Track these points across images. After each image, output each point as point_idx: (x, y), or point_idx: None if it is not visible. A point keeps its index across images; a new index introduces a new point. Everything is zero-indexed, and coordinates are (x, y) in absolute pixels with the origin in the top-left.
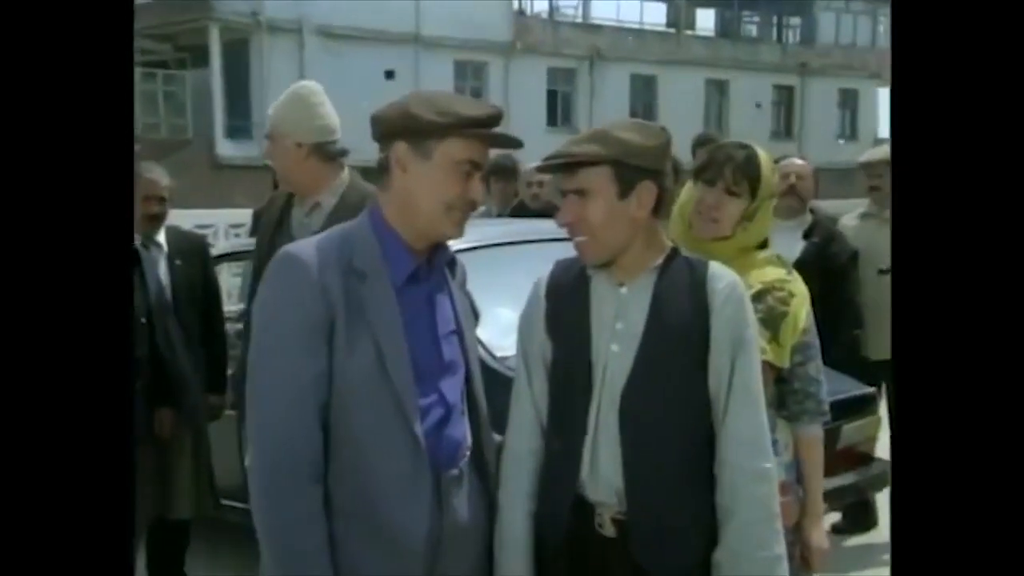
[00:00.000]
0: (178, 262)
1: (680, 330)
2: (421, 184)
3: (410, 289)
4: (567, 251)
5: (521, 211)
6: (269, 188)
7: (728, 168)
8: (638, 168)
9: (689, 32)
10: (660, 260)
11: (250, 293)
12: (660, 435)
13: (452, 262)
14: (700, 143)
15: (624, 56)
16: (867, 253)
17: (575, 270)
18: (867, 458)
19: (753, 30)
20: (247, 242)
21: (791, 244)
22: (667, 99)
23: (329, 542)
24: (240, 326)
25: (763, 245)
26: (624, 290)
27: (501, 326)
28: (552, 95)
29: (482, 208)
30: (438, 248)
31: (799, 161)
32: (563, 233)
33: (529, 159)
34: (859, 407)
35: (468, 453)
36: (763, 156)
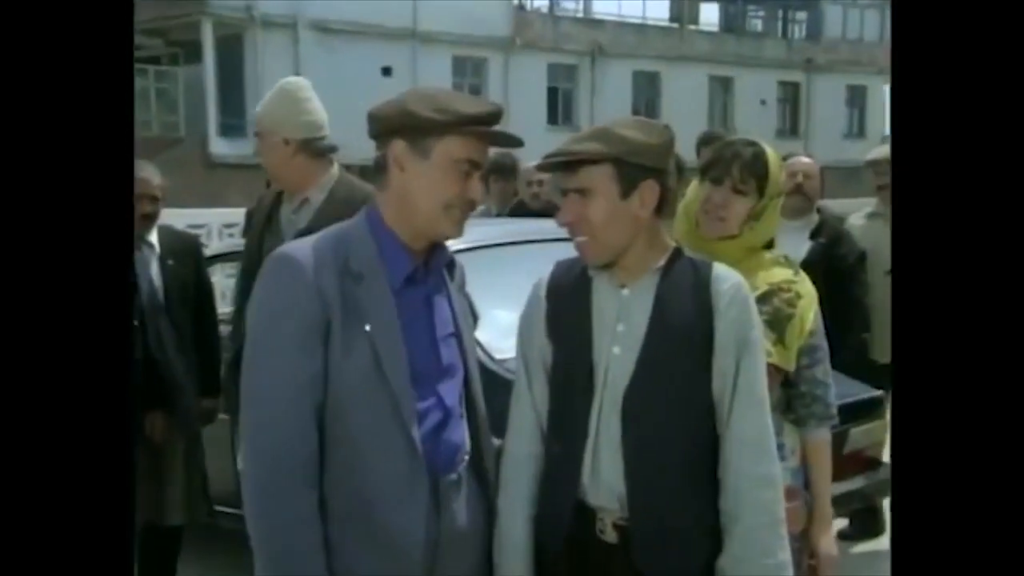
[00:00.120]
0: (170, 262)
1: (683, 332)
2: (419, 183)
3: (408, 290)
4: (568, 251)
5: (521, 211)
6: (263, 187)
7: (735, 166)
8: (641, 167)
9: (692, 27)
10: (663, 261)
11: (238, 293)
12: (663, 439)
13: (450, 263)
14: (704, 141)
15: (626, 52)
16: (874, 254)
17: (576, 271)
18: (874, 463)
19: (758, 25)
20: (241, 242)
21: (797, 244)
22: (670, 96)
23: (324, 546)
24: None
25: (769, 245)
26: (626, 291)
27: (501, 328)
28: (553, 92)
29: (481, 208)
30: (436, 248)
31: (806, 159)
32: (564, 233)
33: (529, 158)
34: (866, 411)
35: (467, 457)
36: (771, 154)
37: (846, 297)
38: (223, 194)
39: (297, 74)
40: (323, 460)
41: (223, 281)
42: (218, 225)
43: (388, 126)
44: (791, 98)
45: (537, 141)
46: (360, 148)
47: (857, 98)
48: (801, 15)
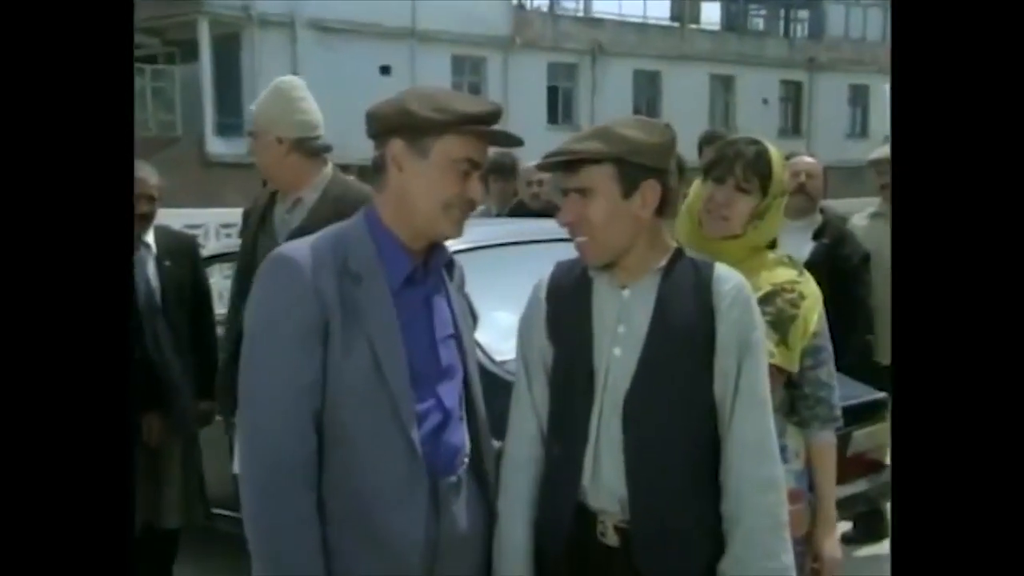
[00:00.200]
0: (167, 263)
1: (685, 333)
2: (418, 183)
3: (407, 291)
4: (568, 252)
5: (520, 211)
6: (260, 186)
7: (738, 165)
8: (642, 166)
9: (694, 26)
10: (664, 261)
11: (234, 294)
12: (664, 441)
13: (450, 263)
14: (706, 141)
15: (627, 51)
16: (878, 254)
17: (576, 271)
18: (878, 465)
19: (760, 23)
20: (238, 243)
21: (800, 245)
22: (671, 95)
23: (323, 549)
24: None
25: (772, 246)
26: (627, 292)
27: (500, 329)
28: (553, 91)
29: (480, 208)
30: (435, 249)
31: (808, 159)
32: (563, 233)
33: (529, 157)
34: (870, 413)
35: (466, 460)
36: (774, 152)
37: (850, 298)
38: (220, 193)
39: (294, 73)
40: (321, 462)
41: (220, 282)
42: (215, 225)
43: (386, 125)
44: (793, 97)
45: (537, 141)
46: (358, 148)
47: (860, 97)
48: (803, 14)
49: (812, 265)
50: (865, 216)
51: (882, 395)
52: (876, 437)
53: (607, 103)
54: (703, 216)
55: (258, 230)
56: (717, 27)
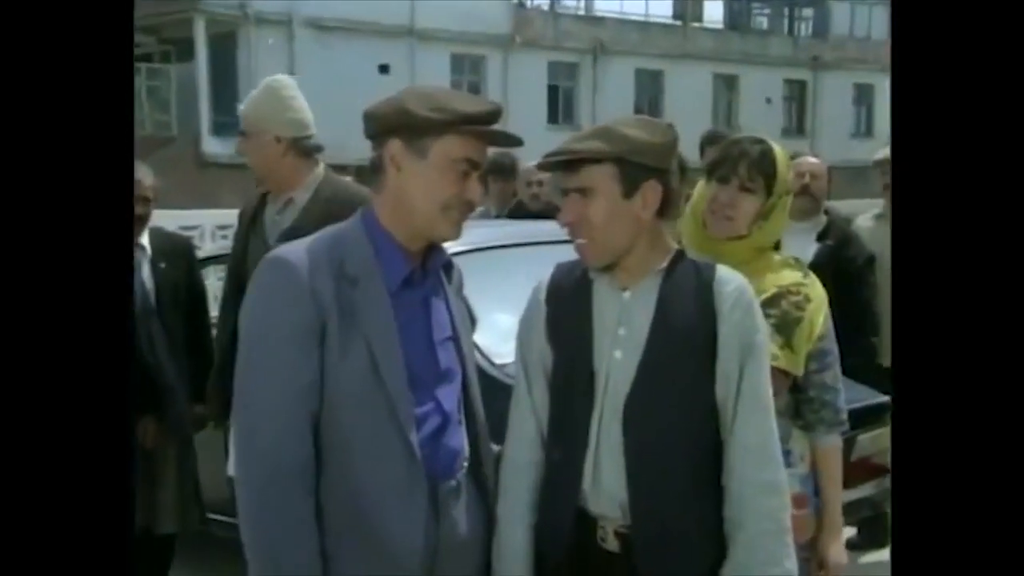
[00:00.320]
0: (162, 265)
1: (686, 335)
2: (416, 184)
3: (405, 293)
4: (568, 253)
5: (520, 212)
6: (256, 186)
7: (743, 164)
8: (643, 166)
9: (696, 24)
10: (665, 263)
11: (224, 296)
12: (665, 445)
13: (448, 265)
14: (709, 141)
15: (628, 50)
16: (882, 256)
17: (576, 273)
18: (883, 470)
19: (764, 22)
20: None
21: (804, 246)
22: (673, 95)
23: (321, 552)
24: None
25: (776, 248)
26: (627, 294)
27: (500, 332)
28: (553, 90)
29: (480, 209)
30: (434, 251)
31: (812, 159)
32: (563, 235)
33: (529, 157)
34: (874, 417)
35: (465, 463)
36: (778, 151)
37: (854, 300)
38: (216, 193)
39: (292, 72)
40: (319, 465)
41: (216, 284)
42: (211, 227)
43: (385, 125)
44: (797, 96)
45: (537, 140)
46: (356, 148)
47: (864, 97)
48: (808, 12)
49: (816, 267)
50: (870, 217)
51: (887, 399)
52: (880, 441)
53: (608, 103)
54: (707, 217)
55: (248, 231)
56: (720, 25)
